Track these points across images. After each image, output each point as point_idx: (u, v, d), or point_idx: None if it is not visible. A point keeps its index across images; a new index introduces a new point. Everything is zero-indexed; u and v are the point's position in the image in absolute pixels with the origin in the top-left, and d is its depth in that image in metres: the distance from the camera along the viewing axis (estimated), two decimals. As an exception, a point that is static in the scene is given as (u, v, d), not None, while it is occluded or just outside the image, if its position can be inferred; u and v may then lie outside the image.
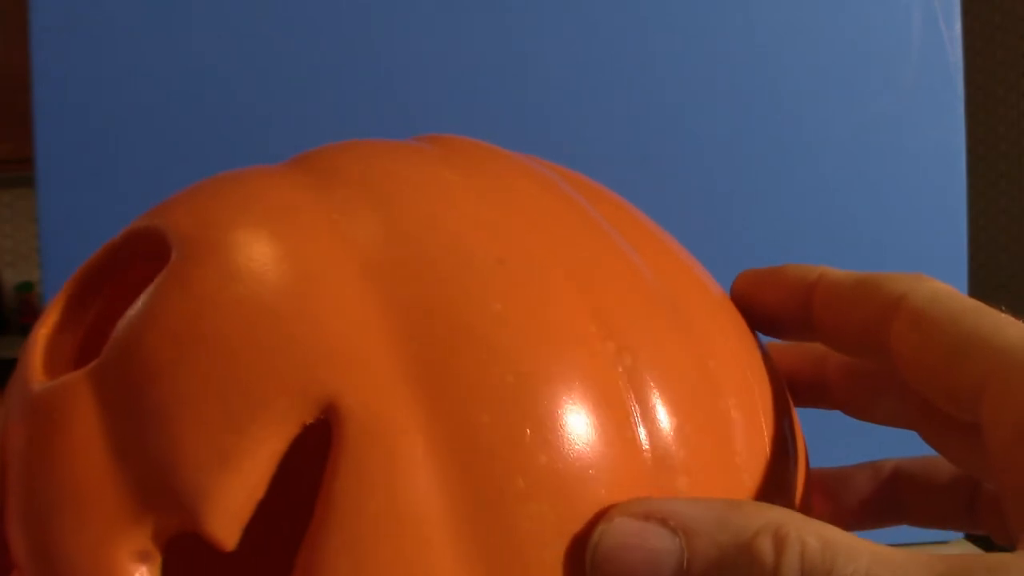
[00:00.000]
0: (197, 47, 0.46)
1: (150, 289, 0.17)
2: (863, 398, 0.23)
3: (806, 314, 0.21)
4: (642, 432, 0.17)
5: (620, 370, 0.17)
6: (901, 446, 0.25)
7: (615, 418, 0.17)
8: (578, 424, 0.16)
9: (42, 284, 0.47)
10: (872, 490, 0.25)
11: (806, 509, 0.21)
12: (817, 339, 0.21)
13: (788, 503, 0.20)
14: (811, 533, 0.15)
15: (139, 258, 0.20)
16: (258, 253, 0.17)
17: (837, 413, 0.24)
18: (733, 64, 0.47)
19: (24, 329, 2.40)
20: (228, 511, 0.15)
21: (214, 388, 0.16)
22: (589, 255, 0.19)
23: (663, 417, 0.17)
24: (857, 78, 0.47)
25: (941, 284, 0.19)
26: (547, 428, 0.16)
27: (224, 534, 0.15)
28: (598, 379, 0.17)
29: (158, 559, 0.16)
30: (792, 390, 0.24)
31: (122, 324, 0.17)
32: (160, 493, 0.16)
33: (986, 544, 0.24)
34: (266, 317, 0.16)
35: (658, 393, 0.17)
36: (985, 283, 2.34)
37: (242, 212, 0.18)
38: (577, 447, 0.16)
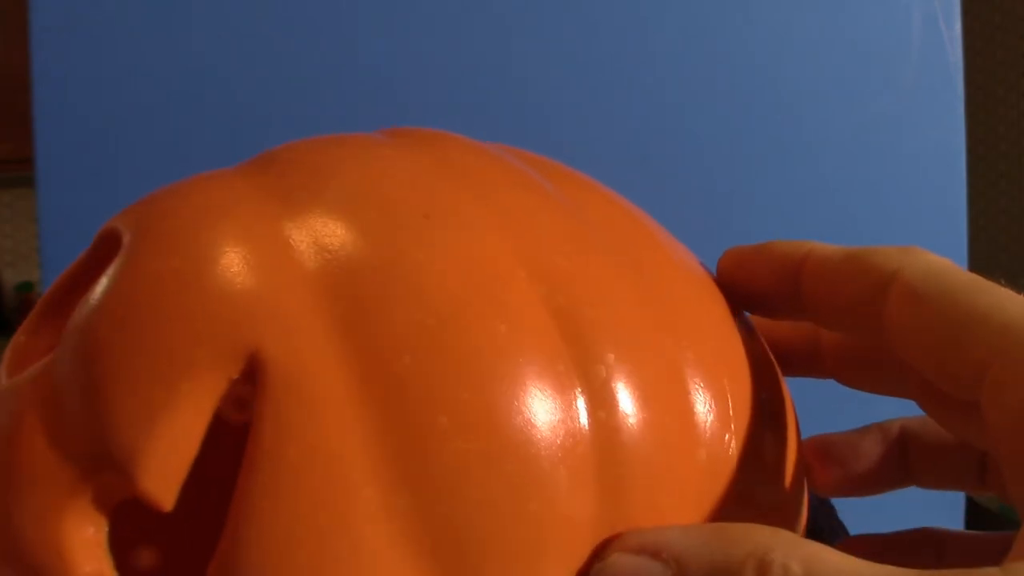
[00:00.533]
0: (197, 47, 0.46)
1: (101, 278, 0.18)
2: (858, 369, 0.23)
3: (795, 291, 0.20)
4: (562, 368, 0.17)
5: (549, 308, 0.17)
6: (903, 411, 0.24)
7: (543, 354, 0.17)
8: (502, 361, 0.16)
9: (42, 284, 0.47)
10: (880, 453, 0.24)
11: (796, 478, 0.21)
12: (807, 317, 0.21)
13: (764, 475, 0.20)
14: (795, 558, 0.15)
15: (107, 260, 0.20)
16: (191, 229, 0.18)
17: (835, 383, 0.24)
18: (733, 64, 0.47)
19: (24, 329, 2.40)
20: (160, 469, 0.16)
21: (144, 352, 0.16)
22: (524, 213, 0.19)
23: (602, 355, 0.17)
24: (857, 78, 0.47)
25: (935, 257, 0.18)
26: (469, 367, 0.16)
27: (159, 493, 0.16)
28: (524, 317, 0.17)
29: (104, 524, 0.16)
30: (785, 360, 0.23)
31: (75, 312, 0.18)
32: (97, 457, 0.16)
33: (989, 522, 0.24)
34: (194, 282, 0.17)
35: (598, 334, 0.17)
36: (985, 283, 2.33)
37: (182, 199, 0.19)
38: (502, 384, 0.16)
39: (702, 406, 0.18)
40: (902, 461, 0.24)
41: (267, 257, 0.17)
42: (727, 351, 0.20)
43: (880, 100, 0.48)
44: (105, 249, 0.20)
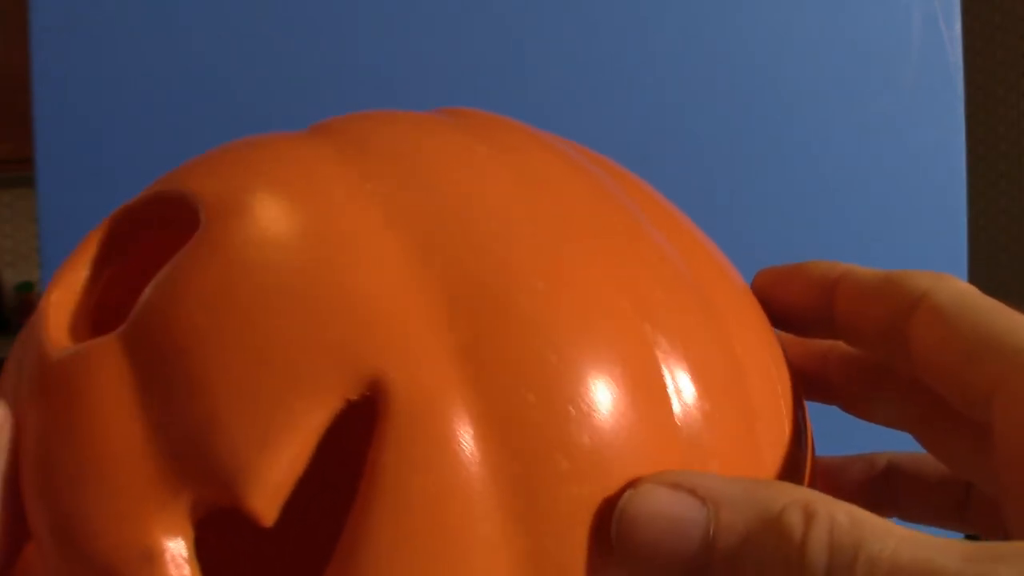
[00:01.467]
0: (197, 47, 0.46)
1: (181, 254, 0.17)
2: (863, 395, 0.23)
3: (828, 310, 0.21)
4: (678, 413, 0.17)
5: (657, 352, 0.17)
6: (899, 443, 0.25)
7: (653, 399, 0.17)
8: (619, 405, 0.16)
9: (42, 284, 0.47)
10: (863, 483, 0.25)
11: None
12: (837, 336, 0.22)
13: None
14: (840, 510, 0.15)
15: (155, 224, 0.19)
16: (289, 217, 0.17)
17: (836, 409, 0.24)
18: (733, 64, 0.47)
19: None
20: (269, 487, 0.15)
21: (253, 359, 0.15)
22: (622, 238, 0.19)
23: (694, 400, 0.17)
24: (857, 78, 0.47)
25: (964, 283, 0.19)
26: (590, 408, 0.16)
27: (264, 510, 0.15)
28: (637, 360, 0.17)
29: (191, 535, 0.15)
30: None
31: (153, 290, 0.17)
32: (197, 467, 0.15)
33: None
34: (302, 285, 0.16)
35: (690, 376, 0.17)
36: (985, 283, 2.34)
37: (269, 175, 0.18)
38: (618, 428, 0.16)
39: (769, 460, 0.19)
40: (885, 493, 0.25)
41: (385, 271, 0.16)
42: (784, 383, 0.20)
43: (880, 100, 0.48)
44: (160, 213, 0.19)
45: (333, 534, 0.16)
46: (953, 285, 0.19)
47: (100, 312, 0.20)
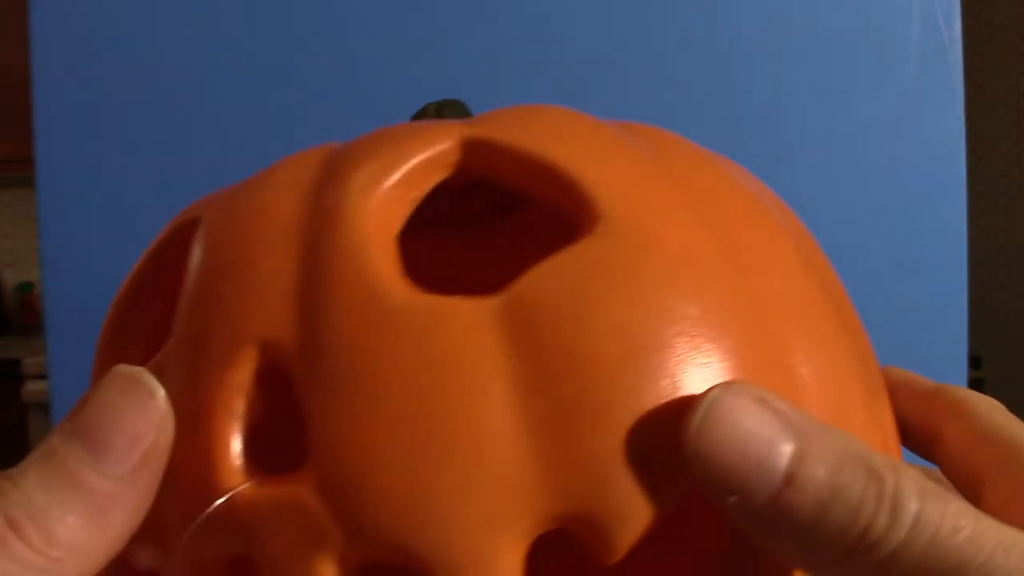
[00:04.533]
0: (197, 47, 0.46)
1: (590, 250, 0.17)
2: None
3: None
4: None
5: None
6: None
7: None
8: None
9: (42, 284, 0.47)
10: None
11: None
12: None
13: None
14: (918, 472, 0.16)
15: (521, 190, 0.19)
16: (696, 248, 0.17)
17: None
18: (733, 64, 0.47)
19: (24, 329, 2.40)
20: (637, 534, 0.15)
21: (666, 394, 0.16)
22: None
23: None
24: (857, 78, 0.47)
25: (996, 402, 0.22)
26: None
27: (619, 554, 0.15)
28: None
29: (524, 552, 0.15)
30: None
31: (548, 281, 0.16)
32: (577, 491, 0.15)
33: None
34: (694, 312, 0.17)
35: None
36: (985, 283, 2.34)
37: (669, 195, 0.18)
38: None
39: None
40: None
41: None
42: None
43: (880, 100, 0.48)
44: (542, 188, 0.18)
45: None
46: (988, 399, 0.21)
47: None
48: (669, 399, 0.16)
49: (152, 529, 0.17)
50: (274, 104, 0.46)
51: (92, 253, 0.46)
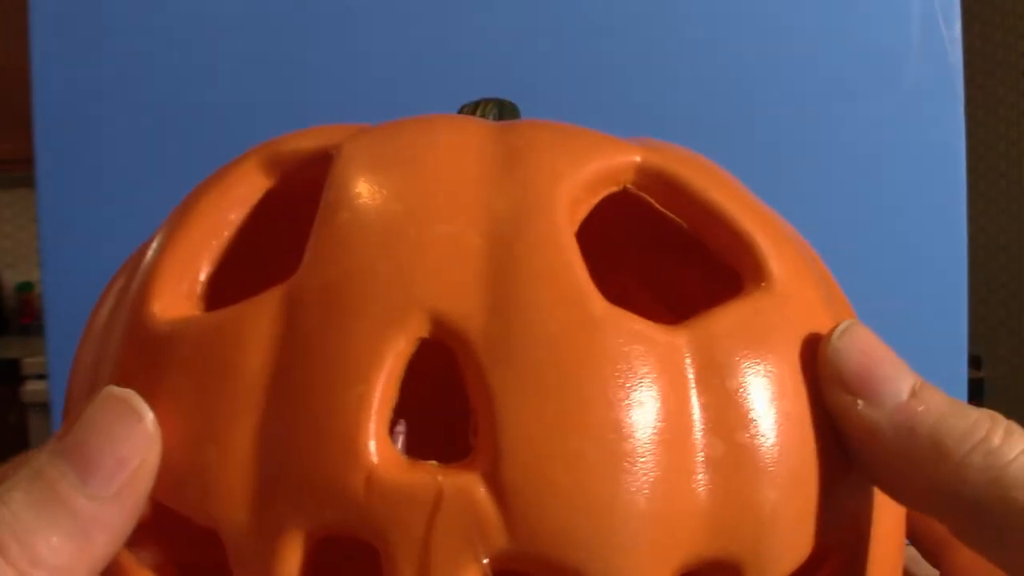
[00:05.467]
0: (196, 47, 0.46)
1: (764, 312, 0.18)
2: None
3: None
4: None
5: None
6: None
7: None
8: None
9: (42, 284, 0.47)
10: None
11: None
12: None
13: None
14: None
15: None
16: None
17: None
18: (733, 64, 0.47)
19: (24, 329, 2.40)
20: None
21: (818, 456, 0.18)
22: None
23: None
24: (857, 78, 0.47)
25: None
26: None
27: None
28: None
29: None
30: None
31: (732, 329, 0.17)
32: (740, 535, 0.16)
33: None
34: None
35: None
36: (985, 283, 2.34)
37: (797, 251, 0.21)
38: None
39: None
40: None
41: None
42: None
43: (880, 100, 0.48)
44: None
45: None
46: None
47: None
48: (821, 460, 0.17)
49: (251, 488, 0.16)
50: (274, 104, 0.46)
51: (92, 253, 0.46)
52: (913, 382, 0.17)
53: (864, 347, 0.18)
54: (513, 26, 0.47)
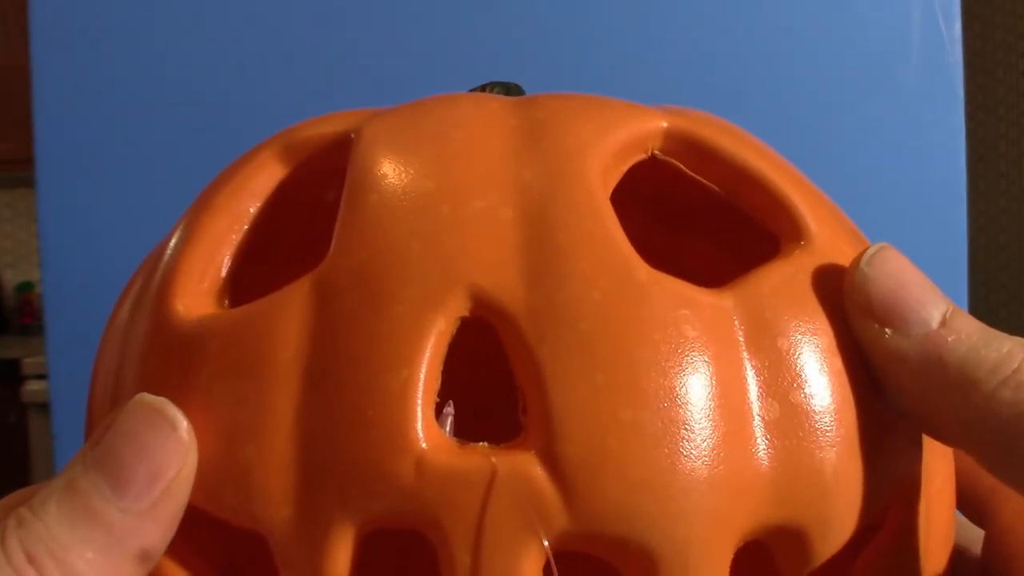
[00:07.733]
0: (196, 47, 0.46)
1: (806, 270, 0.17)
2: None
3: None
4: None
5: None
6: None
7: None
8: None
9: (42, 284, 0.47)
10: None
11: None
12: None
13: None
14: None
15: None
16: None
17: None
18: (733, 64, 0.47)
19: (24, 329, 2.40)
20: (835, 549, 0.16)
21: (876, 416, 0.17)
22: None
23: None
24: (857, 78, 0.47)
25: None
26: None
27: (813, 566, 0.16)
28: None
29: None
30: None
31: (777, 287, 0.17)
32: (802, 499, 0.16)
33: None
34: None
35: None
36: (985, 283, 2.34)
37: (832, 211, 0.20)
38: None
39: None
40: None
41: None
42: None
43: (880, 100, 0.47)
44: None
45: None
46: None
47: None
48: (873, 416, 0.17)
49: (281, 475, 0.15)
50: (275, 103, 0.46)
51: (92, 253, 0.46)
52: (945, 308, 0.16)
53: (893, 271, 0.17)
54: (514, 13, 0.47)
